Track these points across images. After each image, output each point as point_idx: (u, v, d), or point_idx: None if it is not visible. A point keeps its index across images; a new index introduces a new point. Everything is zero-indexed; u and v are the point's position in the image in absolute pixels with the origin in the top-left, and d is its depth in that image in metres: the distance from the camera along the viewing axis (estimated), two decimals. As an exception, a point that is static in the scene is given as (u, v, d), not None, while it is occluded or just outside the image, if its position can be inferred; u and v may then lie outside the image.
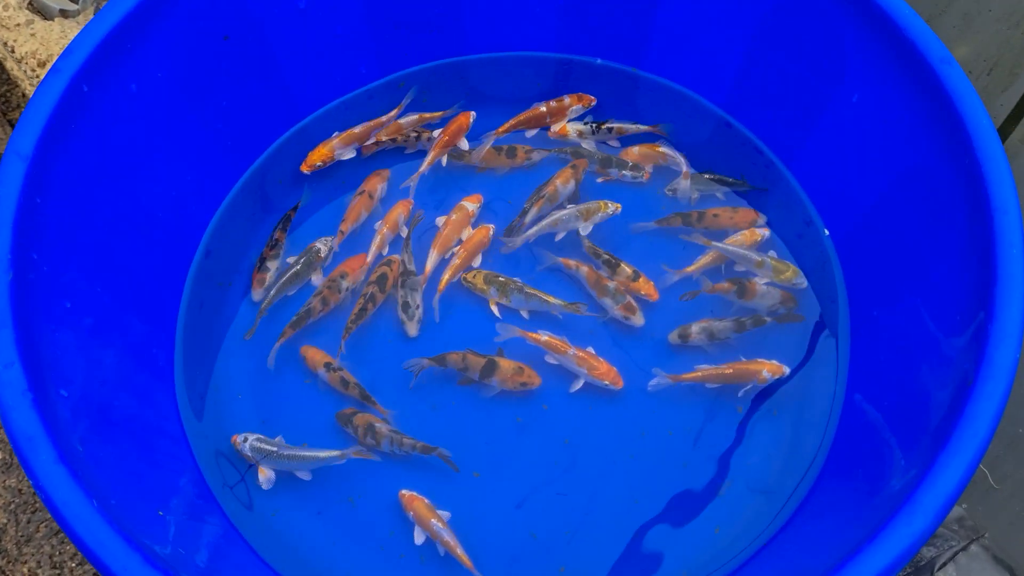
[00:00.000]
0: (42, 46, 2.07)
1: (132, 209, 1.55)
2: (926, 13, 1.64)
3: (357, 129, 1.81)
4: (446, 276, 1.69)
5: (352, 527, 1.51)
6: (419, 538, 1.48)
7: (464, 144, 1.84)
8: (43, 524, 1.55)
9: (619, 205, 1.73)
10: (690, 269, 1.69)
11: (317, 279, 1.71)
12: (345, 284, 1.68)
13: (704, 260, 1.69)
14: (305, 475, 1.52)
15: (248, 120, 1.77)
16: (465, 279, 1.69)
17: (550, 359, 1.60)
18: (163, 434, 1.47)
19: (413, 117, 1.85)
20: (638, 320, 1.65)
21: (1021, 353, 1.17)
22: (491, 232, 1.75)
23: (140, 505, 1.24)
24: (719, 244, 1.68)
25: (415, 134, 1.86)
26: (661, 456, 1.56)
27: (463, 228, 1.75)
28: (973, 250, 1.32)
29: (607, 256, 1.70)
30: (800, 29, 1.65)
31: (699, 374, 1.58)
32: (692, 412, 1.60)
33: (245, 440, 1.50)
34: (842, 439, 1.52)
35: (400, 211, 1.77)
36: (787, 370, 1.58)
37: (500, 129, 1.84)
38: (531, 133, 1.88)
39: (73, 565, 1.51)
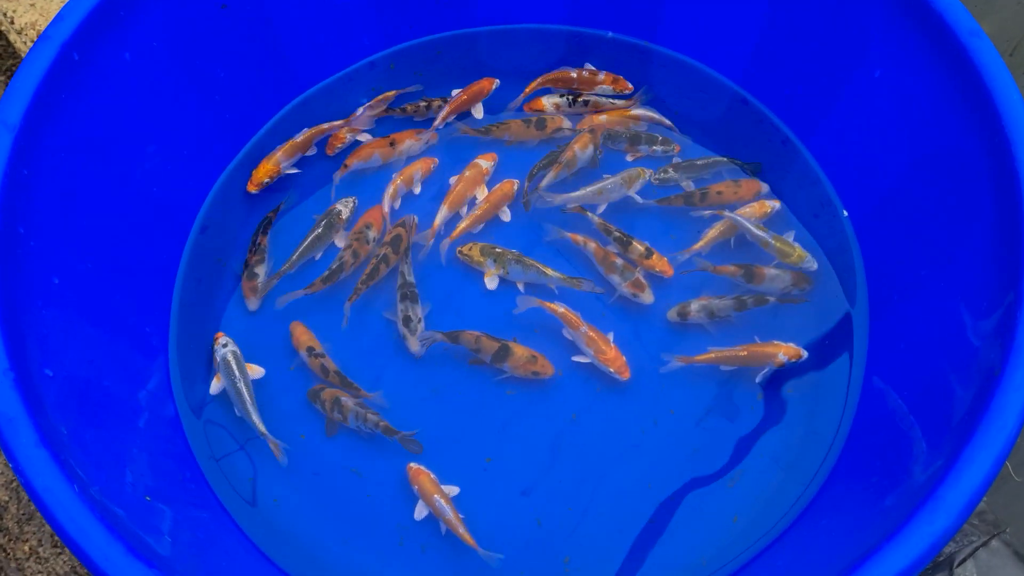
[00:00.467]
0: (42, 16, 2.05)
1: (125, 182, 1.51)
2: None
3: (299, 138, 1.73)
4: (464, 224, 1.68)
5: (354, 515, 1.48)
6: (420, 513, 1.45)
7: (479, 112, 1.82)
8: (41, 504, 1.53)
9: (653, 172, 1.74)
10: (698, 246, 1.65)
11: (340, 241, 1.68)
12: (372, 235, 1.67)
13: (711, 234, 1.65)
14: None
15: (247, 92, 1.72)
16: (461, 252, 1.66)
17: (566, 333, 1.57)
18: (155, 416, 1.43)
19: (367, 108, 1.79)
20: (647, 297, 1.60)
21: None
22: (516, 186, 1.73)
23: (127, 490, 1.20)
24: (729, 213, 1.64)
25: (424, 103, 1.82)
26: (674, 441, 1.52)
27: (476, 185, 1.72)
28: (1000, 233, 1.27)
29: (618, 233, 1.65)
30: (820, 0, 1.58)
31: (712, 356, 1.53)
32: (706, 396, 1.55)
33: (225, 346, 1.52)
34: (860, 429, 1.47)
35: (419, 167, 1.75)
36: (805, 354, 1.53)
37: (529, 87, 1.83)
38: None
39: (69, 546, 1.49)
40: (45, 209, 1.32)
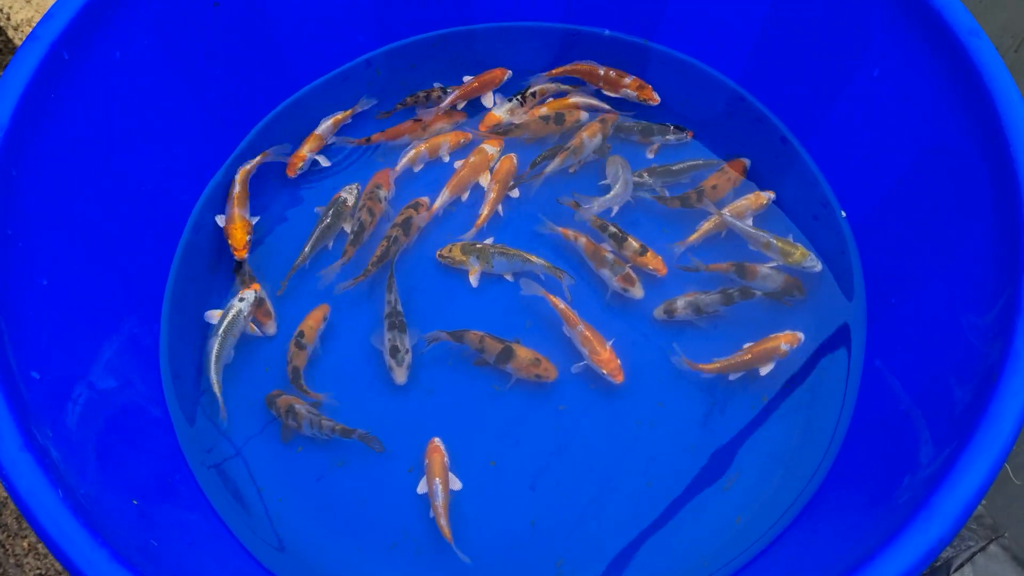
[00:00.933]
0: (38, 12, 2.06)
1: (116, 182, 1.50)
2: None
3: (237, 190, 1.66)
4: (485, 212, 1.68)
5: (346, 517, 1.47)
6: (420, 488, 1.45)
7: (488, 100, 1.82)
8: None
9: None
10: (692, 239, 1.64)
11: (349, 227, 1.68)
12: (383, 194, 1.69)
13: (705, 227, 1.65)
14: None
15: (240, 90, 1.71)
16: (442, 255, 1.65)
17: (565, 330, 1.56)
18: (145, 418, 1.42)
19: (327, 123, 1.78)
20: (637, 292, 1.59)
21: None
22: (515, 160, 1.73)
23: (114, 494, 1.19)
24: (729, 217, 1.63)
25: (424, 93, 1.81)
26: (672, 441, 1.51)
27: (481, 172, 1.72)
28: (999, 234, 1.25)
29: (614, 229, 1.64)
30: (820, -1, 1.57)
31: (718, 366, 1.52)
32: (704, 397, 1.54)
33: (242, 299, 1.54)
34: (857, 429, 1.45)
35: (448, 138, 1.76)
36: (802, 336, 1.53)
37: (557, 71, 1.83)
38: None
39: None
40: (33, 210, 1.31)
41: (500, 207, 1.71)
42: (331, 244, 1.68)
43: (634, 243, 1.62)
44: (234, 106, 1.71)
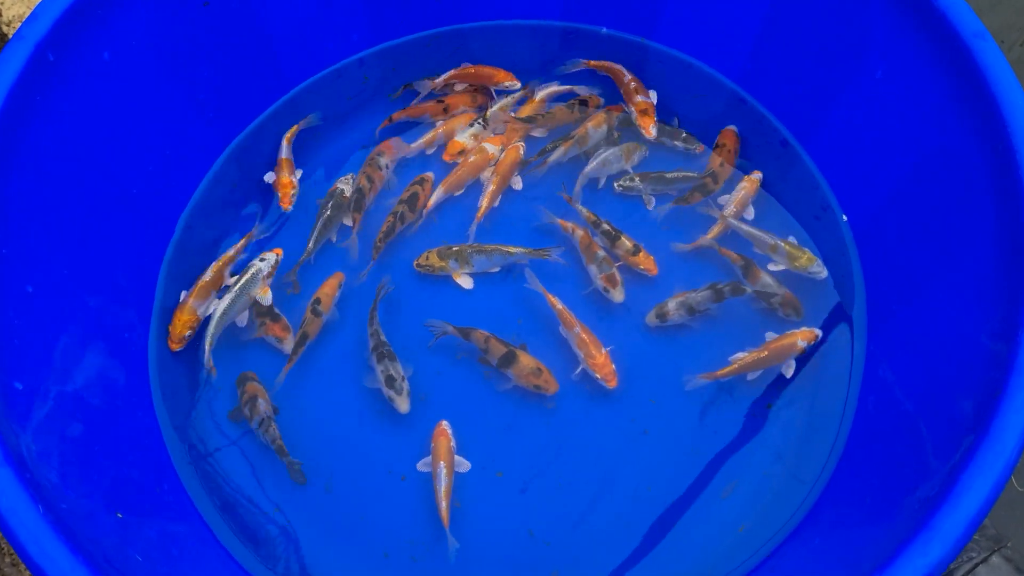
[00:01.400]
0: (29, 8, 2.03)
1: (105, 186, 1.47)
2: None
3: (208, 276, 1.55)
4: (485, 204, 1.66)
5: (339, 525, 1.45)
6: (422, 467, 1.44)
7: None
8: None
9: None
10: (704, 240, 1.63)
11: (348, 220, 1.67)
12: (384, 161, 1.69)
13: (716, 229, 1.63)
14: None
15: (232, 90, 1.68)
16: (419, 265, 1.62)
17: (561, 331, 1.54)
18: (133, 427, 1.40)
19: (284, 145, 1.74)
20: (617, 295, 1.58)
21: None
22: (521, 150, 1.72)
23: (97, 508, 1.17)
24: (734, 221, 1.62)
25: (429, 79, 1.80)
26: (673, 448, 1.49)
27: (479, 170, 1.70)
28: (1003, 240, 1.23)
29: (607, 226, 1.63)
30: (821, -2, 1.54)
31: (736, 367, 1.49)
32: (704, 403, 1.52)
33: (263, 260, 1.54)
34: (858, 437, 1.43)
35: (463, 119, 1.77)
36: (819, 332, 1.51)
37: (590, 63, 1.81)
38: (541, 132, 1.78)
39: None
40: (19, 214, 1.29)
41: (498, 199, 1.69)
42: (335, 237, 1.66)
43: (627, 242, 1.61)
44: (225, 106, 1.68)
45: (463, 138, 1.74)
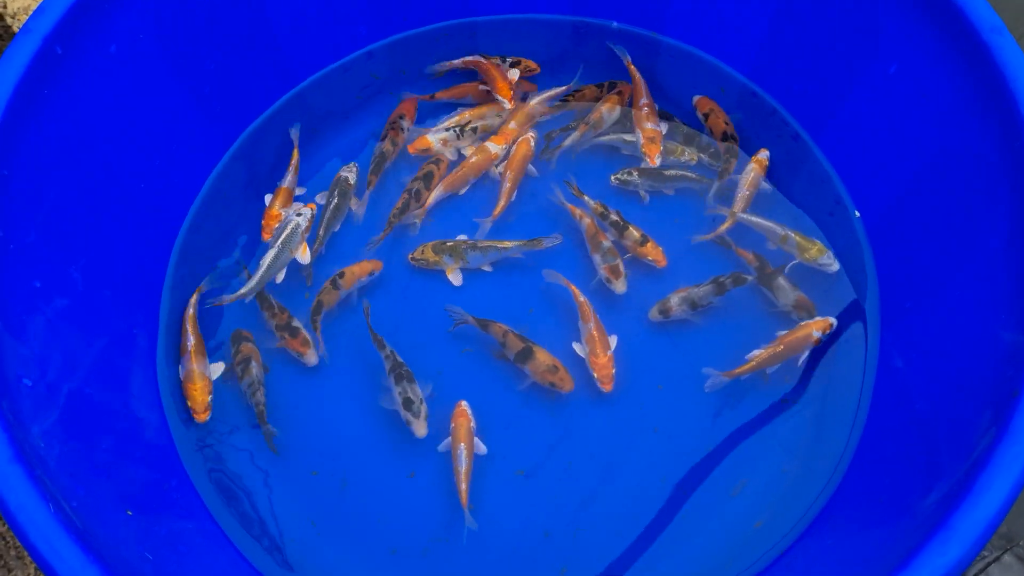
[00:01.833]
0: (35, 2, 2.01)
1: (112, 180, 1.46)
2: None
3: (192, 339, 1.51)
4: (502, 203, 1.65)
5: (349, 528, 1.44)
6: (442, 447, 1.45)
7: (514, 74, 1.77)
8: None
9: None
10: (715, 234, 1.62)
11: (356, 206, 1.67)
12: (405, 123, 1.71)
13: (728, 224, 1.62)
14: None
15: (239, 84, 1.67)
16: (414, 259, 1.62)
17: (580, 324, 1.54)
18: (141, 424, 1.39)
19: (289, 176, 1.69)
20: (619, 287, 1.57)
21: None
22: (533, 142, 1.70)
23: (107, 505, 1.16)
24: (745, 216, 1.61)
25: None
26: (684, 446, 1.48)
27: (480, 171, 1.69)
28: (1018, 237, 1.22)
29: (615, 217, 1.62)
30: (834, -8, 1.52)
31: (753, 363, 1.48)
32: (717, 401, 1.51)
33: (300, 215, 1.51)
34: (870, 440, 1.42)
35: (492, 107, 1.75)
36: (834, 321, 1.50)
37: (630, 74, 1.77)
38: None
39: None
40: (26, 210, 1.28)
41: (514, 195, 1.68)
42: (338, 227, 1.65)
43: (635, 232, 1.60)
44: (232, 100, 1.68)
45: (432, 138, 1.70)
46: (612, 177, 1.68)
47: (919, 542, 0.96)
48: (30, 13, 1.92)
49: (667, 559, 1.40)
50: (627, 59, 1.75)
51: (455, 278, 1.61)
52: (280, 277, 1.55)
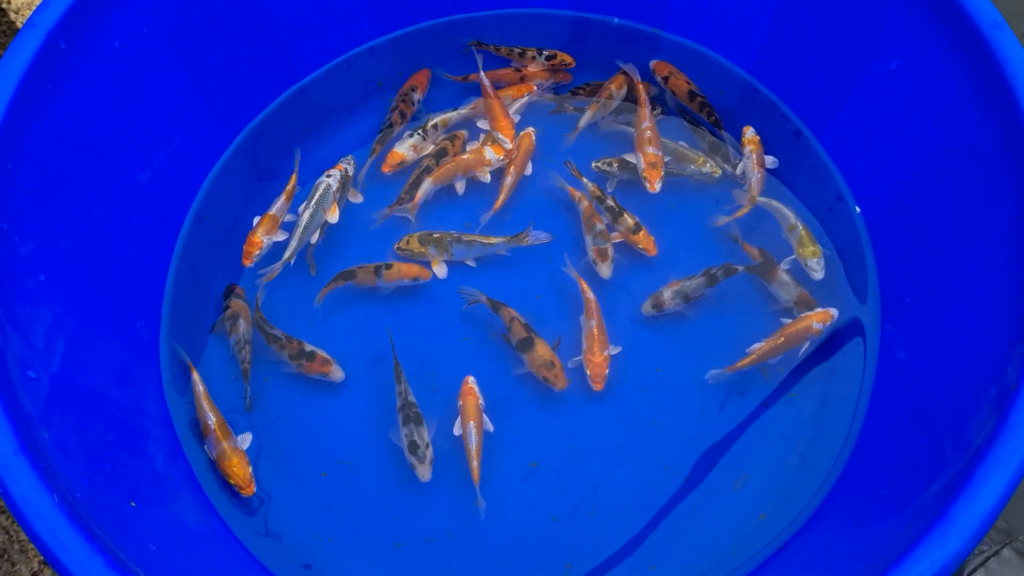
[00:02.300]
0: (38, -3, 2.03)
1: (115, 175, 1.47)
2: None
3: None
4: (502, 197, 1.65)
5: (352, 520, 1.45)
6: (456, 430, 1.45)
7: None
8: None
9: None
10: (731, 218, 1.63)
11: (354, 197, 1.68)
12: (416, 96, 1.74)
13: (748, 207, 1.63)
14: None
15: (242, 79, 1.68)
16: (400, 248, 1.62)
17: (581, 319, 1.54)
18: (145, 417, 1.40)
19: (280, 200, 1.65)
20: (604, 271, 1.58)
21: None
22: (533, 137, 1.71)
23: (111, 497, 1.17)
24: (764, 200, 1.62)
25: (518, 50, 1.79)
26: (685, 440, 1.48)
27: (469, 169, 1.67)
28: (1020, 232, 1.22)
29: (611, 203, 1.63)
30: (836, -13, 1.53)
31: (754, 356, 1.49)
32: (720, 395, 1.52)
33: (330, 176, 1.59)
34: (869, 435, 1.43)
35: (512, 92, 1.77)
36: (835, 313, 1.50)
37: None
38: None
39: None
40: (30, 204, 1.28)
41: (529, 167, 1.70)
42: (336, 219, 1.63)
43: (629, 219, 1.61)
44: (235, 96, 1.68)
45: (402, 149, 1.68)
46: (592, 164, 1.68)
47: (918, 534, 0.97)
48: (33, 8, 1.94)
49: (671, 551, 1.40)
50: (637, 78, 1.74)
51: (440, 270, 1.61)
52: (315, 238, 1.58)
